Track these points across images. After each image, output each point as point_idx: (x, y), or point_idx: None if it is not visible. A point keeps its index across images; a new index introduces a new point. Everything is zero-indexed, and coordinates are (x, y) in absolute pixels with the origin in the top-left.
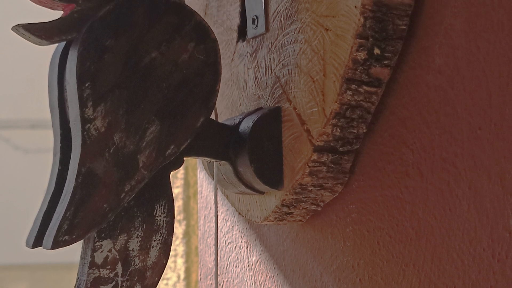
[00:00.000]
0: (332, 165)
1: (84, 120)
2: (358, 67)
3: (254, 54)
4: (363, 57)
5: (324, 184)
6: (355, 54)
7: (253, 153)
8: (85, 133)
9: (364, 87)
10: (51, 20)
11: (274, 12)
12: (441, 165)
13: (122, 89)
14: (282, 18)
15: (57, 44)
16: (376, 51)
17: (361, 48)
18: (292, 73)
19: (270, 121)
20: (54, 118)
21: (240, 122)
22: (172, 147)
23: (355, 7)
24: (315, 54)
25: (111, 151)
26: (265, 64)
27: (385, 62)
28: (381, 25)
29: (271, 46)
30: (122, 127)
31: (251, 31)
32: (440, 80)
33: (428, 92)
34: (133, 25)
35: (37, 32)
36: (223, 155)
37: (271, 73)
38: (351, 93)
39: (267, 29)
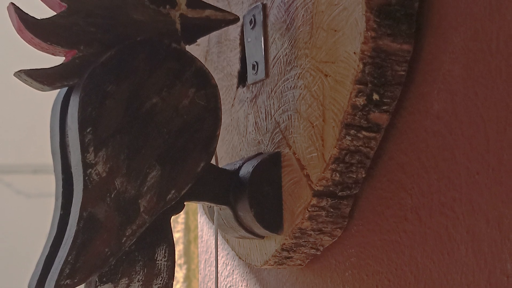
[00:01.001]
0: (332, 210)
1: (86, 165)
2: (357, 113)
3: (254, 100)
4: (362, 103)
5: (323, 229)
6: (354, 100)
7: (253, 197)
8: (86, 178)
9: (363, 133)
10: (53, 66)
11: (274, 58)
12: (439, 210)
13: (123, 134)
14: (282, 64)
15: (59, 89)
16: (375, 96)
17: (360, 94)
18: (291, 118)
19: (270, 166)
20: (56, 163)
21: (240, 167)
22: (173, 191)
23: (354, 53)
24: (315, 99)
25: (112, 196)
26: (265, 109)
27: (384, 107)
28: (380, 71)
29: (271, 91)
30: (123, 172)
31: (251, 77)
32: (439, 125)
33: (426, 138)
34: (134, 71)
35: (39, 78)
36: (224, 199)
37: (271, 118)
38: (350, 139)
39: (267, 75)
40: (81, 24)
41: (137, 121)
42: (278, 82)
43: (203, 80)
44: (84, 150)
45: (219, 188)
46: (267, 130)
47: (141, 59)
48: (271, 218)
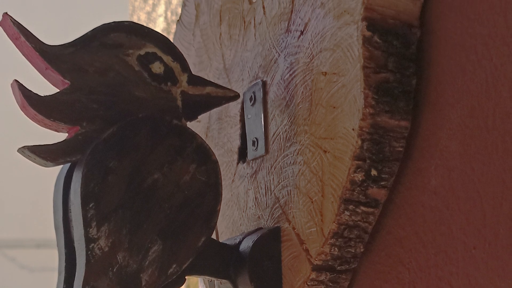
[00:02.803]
0: (330, 284)
1: (88, 240)
2: (355, 188)
3: (254, 176)
4: (360, 178)
5: None
6: (352, 176)
7: (253, 272)
8: (89, 252)
9: (362, 208)
10: (55, 142)
11: (273, 134)
12: (436, 284)
13: (125, 209)
14: (281, 140)
15: (61, 165)
16: (373, 172)
17: (358, 170)
18: (291, 194)
19: (270, 240)
20: (59, 237)
21: (240, 242)
22: (174, 266)
23: (353, 129)
24: (314, 175)
25: (114, 270)
26: (265, 185)
27: (382, 183)
28: (378, 147)
29: (271, 167)
30: (125, 247)
31: (251, 153)
32: (436, 200)
33: (424, 213)
34: (136, 147)
35: (42, 154)
36: (224, 274)
37: (271, 194)
38: (348, 214)
39: (267, 151)
40: (83, 101)
41: (139, 197)
42: (278, 158)
43: (204, 156)
44: (86, 225)
45: (220, 263)
46: (267, 205)
47: (143, 135)
48: None
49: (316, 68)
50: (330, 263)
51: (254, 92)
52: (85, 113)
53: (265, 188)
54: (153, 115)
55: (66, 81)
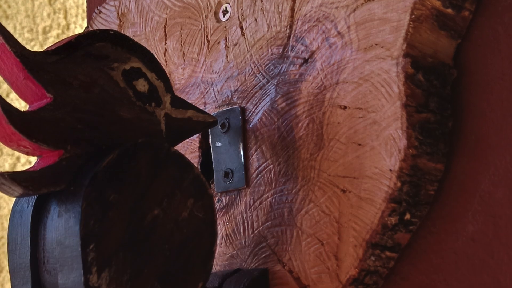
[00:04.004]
0: None
1: None
2: (386, 232)
3: (224, 210)
4: (393, 222)
5: None
6: (386, 219)
7: None
8: None
9: (387, 253)
10: (30, 168)
11: (259, 167)
12: None
13: (126, 251)
14: (271, 174)
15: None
16: (407, 216)
17: (393, 213)
18: (286, 233)
19: (260, 285)
20: (20, 282)
21: (221, 285)
22: None
23: (390, 170)
24: (326, 215)
25: None
26: (243, 221)
27: (410, 227)
28: (415, 190)
29: (253, 202)
30: None
31: (220, 184)
32: (475, 248)
33: (457, 260)
34: (137, 177)
35: (24, 182)
36: None
37: (252, 232)
38: (374, 259)
39: (247, 184)
40: (68, 120)
41: (140, 236)
42: (266, 194)
43: (200, 190)
44: (86, 270)
45: None
46: (246, 244)
47: (143, 164)
48: None
49: (330, 101)
50: None
51: (228, 119)
52: (70, 134)
53: (243, 224)
54: (152, 140)
55: (49, 95)
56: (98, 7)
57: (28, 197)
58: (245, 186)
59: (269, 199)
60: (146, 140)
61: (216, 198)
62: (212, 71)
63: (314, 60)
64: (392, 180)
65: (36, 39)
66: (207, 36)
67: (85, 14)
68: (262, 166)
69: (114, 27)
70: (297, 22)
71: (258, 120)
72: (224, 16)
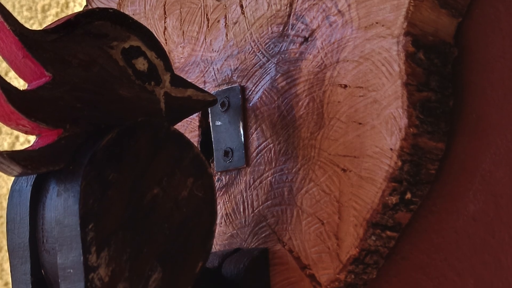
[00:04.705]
0: None
1: (88, 269)
2: (387, 212)
3: (224, 189)
4: (394, 202)
5: None
6: (386, 198)
7: None
8: (88, 284)
9: (387, 232)
10: (29, 147)
11: (259, 146)
12: None
13: (125, 230)
14: (271, 153)
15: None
16: (408, 195)
17: (394, 192)
18: (286, 213)
19: (260, 264)
20: (18, 262)
21: (220, 265)
22: None
23: (391, 149)
24: (326, 195)
25: None
26: (243, 201)
27: (411, 206)
28: (416, 169)
29: (253, 182)
30: (126, 276)
31: (220, 164)
32: (476, 227)
33: (457, 239)
34: (136, 156)
35: (23, 161)
36: None
37: (252, 211)
38: (374, 238)
39: (247, 163)
40: (67, 99)
41: (139, 215)
42: (266, 173)
43: (200, 169)
44: (86, 250)
45: None
46: (246, 223)
47: (143, 143)
48: None
49: (331, 80)
50: None
51: (228, 97)
52: (69, 113)
53: (242, 204)
54: (151, 119)
55: (48, 74)
56: None
57: (27, 176)
58: (245, 165)
59: (269, 178)
60: (146, 119)
61: (216, 177)
62: (212, 49)
63: (314, 38)
64: (392, 159)
65: (35, 18)
66: (206, 15)
67: None
68: (262, 145)
69: (114, 5)
70: (297, 1)
71: (258, 99)
72: None
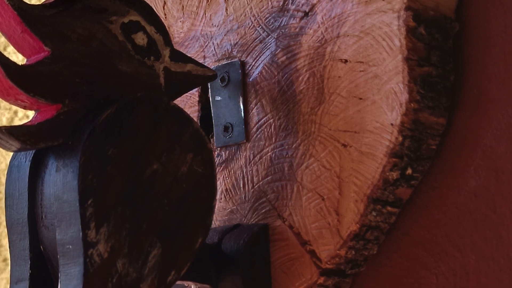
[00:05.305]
0: None
1: (87, 244)
2: (387, 187)
3: (224, 165)
4: (395, 177)
5: None
6: (387, 174)
7: (246, 277)
8: (87, 259)
9: (388, 208)
10: (27, 122)
11: (259, 121)
12: None
13: (124, 206)
14: (271, 128)
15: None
16: (409, 171)
17: (395, 168)
18: (287, 188)
19: (260, 240)
20: (17, 237)
21: (220, 241)
22: (173, 273)
23: (392, 124)
24: (327, 170)
25: (114, 281)
26: (243, 176)
27: (412, 182)
28: (417, 144)
29: (253, 157)
30: (125, 252)
31: (220, 139)
32: (477, 203)
33: (458, 215)
34: (136, 131)
35: (22, 136)
36: (204, 277)
37: (252, 186)
38: (375, 214)
39: (247, 138)
40: (66, 74)
41: (138, 191)
42: (266, 148)
43: (199, 144)
44: (85, 226)
45: (202, 265)
46: (246, 199)
47: (142, 118)
48: None
49: (331, 54)
50: (342, 267)
51: (227, 72)
52: (68, 88)
53: (242, 179)
54: (151, 94)
55: (47, 49)
56: None
57: (26, 151)
58: (245, 141)
59: (269, 153)
60: (145, 94)
61: (216, 153)
62: (212, 24)
63: (314, 13)
64: (393, 135)
65: None
66: None
67: None
68: (262, 120)
69: None
70: None
71: (258, 74)
72: None
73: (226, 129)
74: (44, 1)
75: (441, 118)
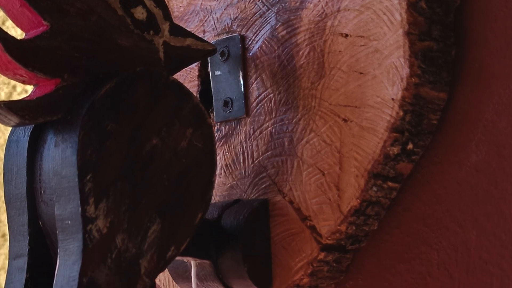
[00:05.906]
0: (334, 264)
1: (86, 220)
2: (388, 162)
3: (223, 140)
4: (396, 152)
5: (319, 285)
6: (388, 149)
7: (246, 252)
8: (86, 235)
9: (389, 183)
10: (26, 97)
11: (259, 96)
12: (482, 267)
13: (124, 181)
14: (272, 103)
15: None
16: (410, 146)
17: (396, 143)
18: (287, 163)
19: (260, 216)
20: (16, 213)
21: (220, 216)
22: (173, 248)
23: (392, 99)
24: (327, 145)
25: (113, 257)
26: (243, 151)
27: (413, 157)
28: (418, 119)
29: (253, 132)
30: (124, 227)
31: (220, 114)
32: (478, 178)
33: (460, 190)
34: (135, 106)
35: (20, 111)
36: (204, 253)
37: (253, 161)
38: (375, 189)
39: (247, 113)
40: (65, 48)
41: (137, 166)
42: (266, 123)
43: (199, 119)
44: (84, 201)
45: (202, 241)
46: (246, 174)
47: (141, 92)
48: (261, 274)
49: (331, 29)
50: (342, 242)
51: (227, 47)
52: (67, 62)
53: (243, 154)
54: (150, 69)
55: (45, 23)
56: None
57: (24, 126)
58: (244, 115)
59: (269, 128)
60: (144, 69)
61: (216, 128)
62: None
63: None
64: (394, 109)
65: None
66: None
67: None
68: (262, 95)
69: None
70: None
71: (258, 48)
72: None
73: (226, 104)
74: None
75: (442, 93)
